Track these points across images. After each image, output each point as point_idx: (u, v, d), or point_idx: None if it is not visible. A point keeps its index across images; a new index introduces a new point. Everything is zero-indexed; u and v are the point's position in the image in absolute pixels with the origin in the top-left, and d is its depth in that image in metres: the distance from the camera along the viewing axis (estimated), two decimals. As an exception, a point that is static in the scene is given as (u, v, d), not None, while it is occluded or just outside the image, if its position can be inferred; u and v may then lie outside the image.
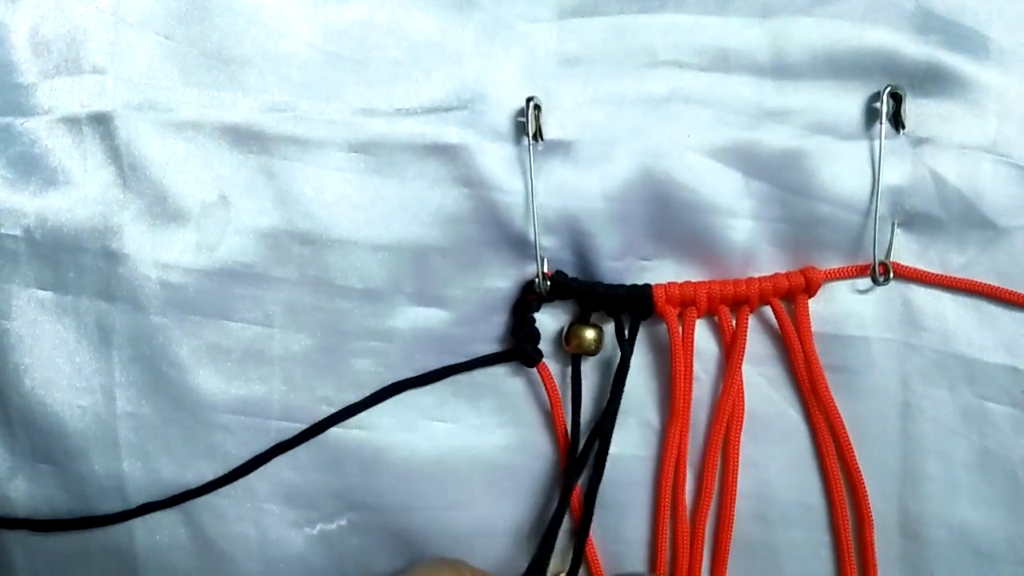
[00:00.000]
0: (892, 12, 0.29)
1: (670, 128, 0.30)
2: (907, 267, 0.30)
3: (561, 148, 0.30)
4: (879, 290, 0.30)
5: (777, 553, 0.31)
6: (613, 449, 0.31)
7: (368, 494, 0.31)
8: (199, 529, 0.32)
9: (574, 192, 0.30)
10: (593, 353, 0.31)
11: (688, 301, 0.31)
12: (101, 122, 0.30)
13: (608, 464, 0.31)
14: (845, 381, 0.31)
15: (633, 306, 0.31)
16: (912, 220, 0.30)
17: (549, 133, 0.30)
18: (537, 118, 0.30)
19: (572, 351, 0.31)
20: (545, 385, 0.31)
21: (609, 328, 0.31)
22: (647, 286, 0.30)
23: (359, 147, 0.30)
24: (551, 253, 0.31)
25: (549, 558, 0.30)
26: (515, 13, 0.31)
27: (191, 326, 0.31)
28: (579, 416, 0.31)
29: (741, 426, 0.31)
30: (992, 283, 0.30)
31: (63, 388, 0.31)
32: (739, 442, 0.31)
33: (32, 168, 0.30)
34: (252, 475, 0.31)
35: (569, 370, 0.31)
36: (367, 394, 0.31)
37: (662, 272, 0.31)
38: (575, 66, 0.30)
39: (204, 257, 0.30)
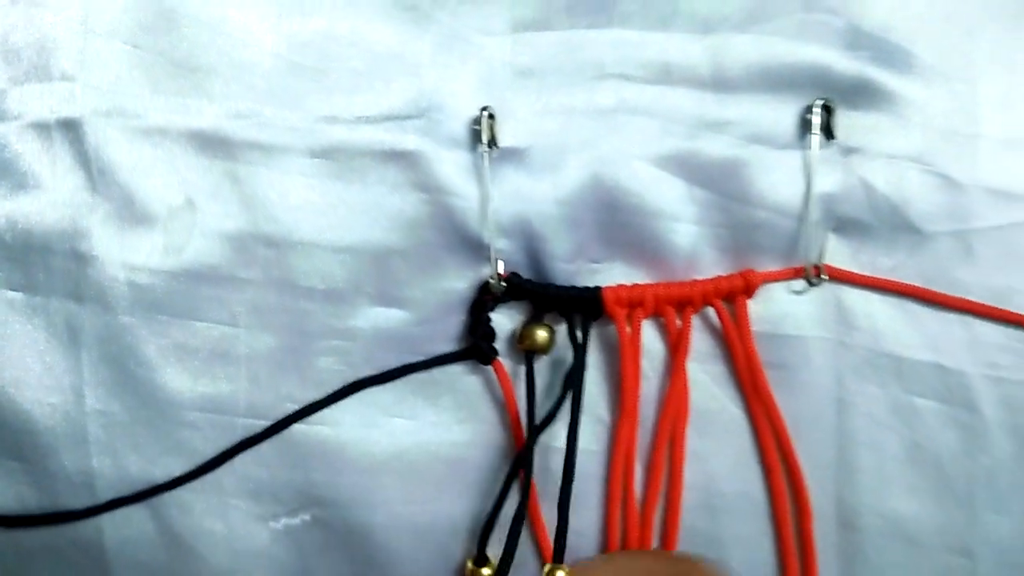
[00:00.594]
0: (824, 30, 0.31)
1: (617, 138, 0.31)
2: (839, 269, 0.32)
3: (515, 155, 0.32)
4: (814, 291, 0.32)
5: (722, 542, 0.32)
6: (563, 443, 0.32)
7: (330, 489, 0.32)
8: (167, 524, 0.32)
9: (527, 197, 0.31)
10: (545, 352, 0.32)
11: (636, 302, 0.32)
12: (70, 128, 0.31)
13: (558, 457, 0.32)
14: (783, 378, 0.32)
15: (584, 307, 0.32)
16: (844, 225, 0.32)
17: (503, 141, 0.31)
18: (491, 127, 0.31)
19: (525, 349, 0.32)
20: (500, 382, 0.32)
21: (562, 328, 0.33)
22: (597, 288, 0.32)
23: (321, 153, 0.31)
24: (506, 256, 0.32)
25: (513, 554, 0.31)
26: (471, 26, 0.32)
27: (158, 326, 0.31)
28: (534, 412, 0.32)
29: (686, 421, 0.32)
30: (918, 285, 0.31)
31: (33, 387, 0.32)
32: (684, 436, 0.32)
33: (2, 172, 0.31)
34: (219, 471, 0.32)
35: (523, 368, 0.32)
36: (330, 392, 0.32)
37: (612, 274, 0.32)
38: (528, 78, 0.32)
39: (171, 259, 0.31)
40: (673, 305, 0.32)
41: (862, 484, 0.32)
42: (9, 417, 0.32)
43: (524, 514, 0.31)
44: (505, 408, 0.33)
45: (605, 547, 0.33)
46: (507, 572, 0.31)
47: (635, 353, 0.32)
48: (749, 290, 0.32)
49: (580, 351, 0.32)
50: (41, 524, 0.32)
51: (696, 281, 0.32)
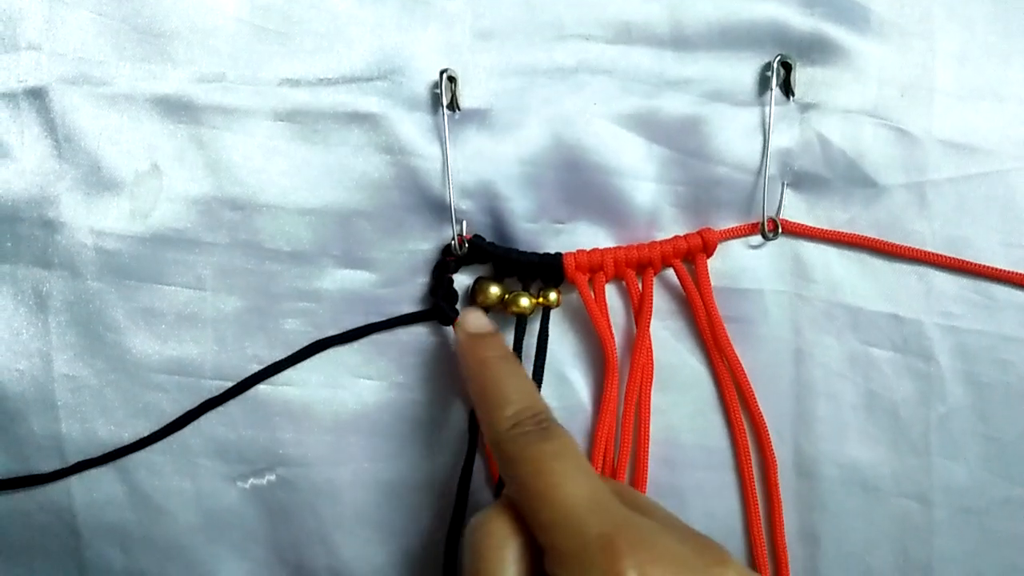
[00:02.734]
0: (781, -14, 0.31)
1: (578, 97, 0.32)
2: (795, 223, 0.32)
3: (476, 117, 0.32)
4: (771, 245, 0.32)
5: (683, 493, 0.33)
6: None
7: (297, 447, 0.33)
8: (135, 485, 0.33)
9: (489, 158, 0.32)
10: (499, 308, 0.33)
11: (596, 267, 0.32)
12: (37, 96, 0.31)
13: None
14: (743, 331, 0.32)
15: (545, 273, 0.32)
16: (800, 180, 0.32)
17: (465, 103, 0.32)
18: (452, 89, 0.31)
19: (479, 306, 0.32)
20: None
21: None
22: (558, 255, 0.32)
23: (285, 116, 0.32)
24: (469, 216, 0.32)
25: (464, 510, 0.32)
26: None
27: (126, 290, 0.32)
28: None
29: (651, 381, 0.33)
30: (874, 237, 0.32)
31: (1, 353, 0.32)
32: (650, 397, 0.33)
33: None
34: (186, 431, 0.33)
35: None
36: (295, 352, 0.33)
37: (575, 234, 0.33)
38: (489, 39, 0.32)
39: (138, 224, 0.32)
40: (633, 267, 0.33)
41: (820, 433, 0.33)
42: None
43: (471, 468, 0.32)
44: None
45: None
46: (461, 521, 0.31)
47: (603, 315, 0.32)
48: (708, 249, 0.32)
49: (545, 314, 0.32)
50: (8, 488, 0.33)
51: (655, 243, 0.32)
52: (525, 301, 0.32)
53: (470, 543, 0.25)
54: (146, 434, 0.32)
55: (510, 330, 0.33)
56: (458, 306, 0.33)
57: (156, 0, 0.32)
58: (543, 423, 0.26)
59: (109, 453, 0.32)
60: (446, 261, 0.32)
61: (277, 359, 0.32)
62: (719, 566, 0.23)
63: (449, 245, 0.32)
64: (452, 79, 0.31)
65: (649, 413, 0.33)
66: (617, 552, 0.21)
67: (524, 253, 0.32)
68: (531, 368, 0.33)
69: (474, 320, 0.30)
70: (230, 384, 0.32)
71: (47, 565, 0.34)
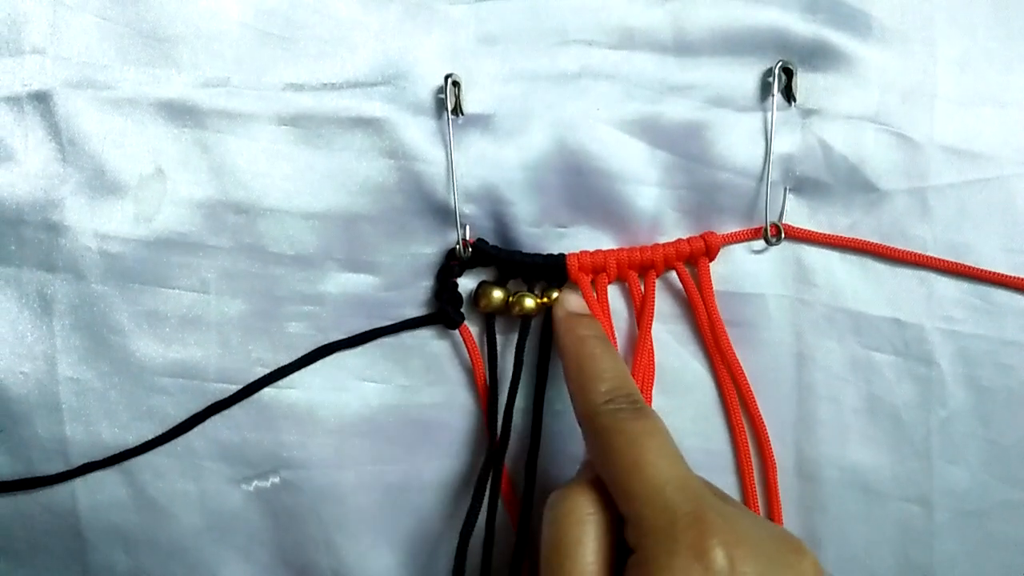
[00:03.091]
0: (782, -8, 0.32)
1: (581, 102, 0.32)
2: (798, 228, 0.32)
3: (480, 122, 0.32)
4: (773, 250, 0.33)
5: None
6: (531, 403, 0.33)
7: (301, 450, 0.33)
8: (140, 488, 0.33)
9: (493, 163, 0.32)
10: (502, 312, 0.33)
11: (599, 268, 0.32)
12: (41, 100, 0.31)
13: (528, 418, 0.32)
14: (745, 335, 0.33)
15: (549, 274, 0.32)
16: (802, 185, 0.32)
17: (469, 108, 0.32)
18: (456, 94, 0.32)
19: (482, 310, 0.33)
20: (466, 346, 0.33)
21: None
22: (561, 255, 0.32)
23: (289, 120, 0.32)
24: (473, 221, 0.32)
25: (477, 513, 0.32)
26: None
27: (131, 294, 0.32)
28: (496, 373, 0.33)
29: (653, 382, 0.33)
30: (875, 241, 0.32)
31: (6, 356, 0.32)
32: (651, 399, 0.33)
33: None
34: (191, 434, 0.33)
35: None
36: (300, 356, 0.33)
37: (578, 238, 0.33)
38: (493, 45, 0.32)
39: (142, 227, 0.32)
40: (636, 269, 0.33)
41: (822, 436, 0.33)
42: None
43: (488, 475, 0.32)
44: (472, 371, 0.33)
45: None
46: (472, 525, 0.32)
47: (605, 317, 0.32)
48: (710, 252, 0.32)
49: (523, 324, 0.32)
50: (12, 490, 0.33)
51: (658, 245, 0.32)
52: (530, 302, 0.32)
53: (550, 518, 0.26)
54: (150, 436, 0.32)
55: (513, 333, 0.33)
56: (463, 309, 0.33)
57: (160, 5, 0.32)
58: (637, 403, 0.27)
59: (113, 456, 0.32)
60: (450, 265, 0.33)
61: (281, 362, 0.33)
62: (796, 554, 0.24)
63: (453, 249, 0.32)
64: (456, 84, 0.31)
65: (652, 414, 0.33)
66: (705, 530, 0.23)
67: (528, 255, 0.32)
68: (534, 369, 0.33)
69: (575, 300, 0.32)
70: (234, 387, 0.33)
71: (51, 568, 0.34)
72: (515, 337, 0.33)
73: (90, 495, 0.33)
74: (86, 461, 0.33)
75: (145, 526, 0.33)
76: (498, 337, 0.33)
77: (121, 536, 0.33)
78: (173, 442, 0.33)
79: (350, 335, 0.33)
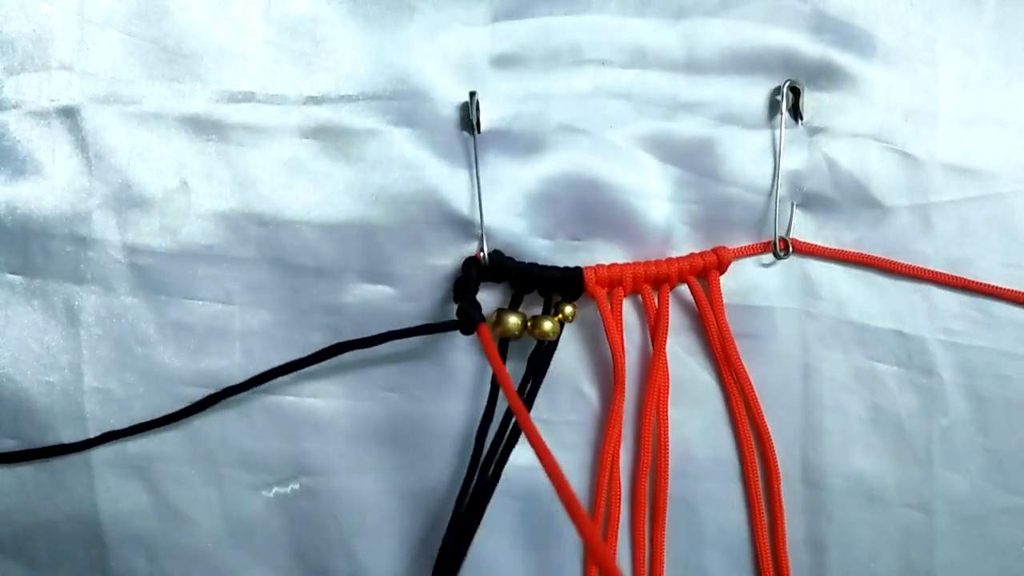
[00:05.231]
0: (790, 14, 0.33)
1: (594, 119, 0.33)
2: (805, 243, 0.33)
3: (496, 137, 0.33)
4: (781, 264, 0.34)
5: (695, 504, 0.34)
6: (546, 415, 0.34)
7: (319, 457, 0.33)
8: (161, 495, 0.33)
9: (508, 177, 0.33)
10: (516, 337, 0.33)
11: (615, 282, 0.33)
12: (68, 115, 0.32)
13: (542, 428, 0.33)
14: (753, 347, 0.34)
15: (565, 287, 0.33)
16: (809, 201, 0.33)
17: (485, 124, 0.33)
18: (477, 110, 0.32)
19: (498, 335, 0.33)
20: (484, 346, 0.32)
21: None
22: (578, 269, 0.33)
23: (309, 133, 0.33)
24: (487, 233, 0.33)
25: (478, 522, 0.32)
26: (453, 16, 0.33)
27: (158, 305, 0.33)
28: (496, 393, 0.33)
29: (668, 394, 0.34)
30: (879, 256, 0.33)
31: (32, 366, 0.33)
32: (667, 409, 0.34)
33: (2, 160, 0.32)
34: (211, 441, 0.33)
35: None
36: (323, 367, 0.33)
37: (592, 251, 0.34)
38: (508, 63, 0.33)
39: (168, 239, 0.33)
40: (650, 283, 0.33)
41: (827, 445, 0.34)
42: (7, 396, 0.33)
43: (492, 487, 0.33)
44: (488, 381, 0.33)
45: (591, 512, 0.34)
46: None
47: (619, 330, 0.33)
48: (722, 266, 0.33)
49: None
50: (32, 458, 0.33)
51: (672, 259, 0.33)
52: (548, 324, 0.32)
53: None
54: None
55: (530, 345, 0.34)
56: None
57: (185, 21, 0.33)
58: None
59: (134, 426, 0.33)
60: (468, 275, 0.33)
61: (303, 372, 0.33)
62: None
63: (470, 259, 0.33)
64: (476, 100, 0.32)
65: (667, 426, 0.33)
66: None
67: (545, 267, 0.33)
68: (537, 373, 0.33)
69: None
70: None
71: (73, 575, 0.34)
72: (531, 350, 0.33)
73: (112, 502, 0.33)
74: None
75: (166, 532, 0.34)
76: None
77: (143, 543, 0.34)
78: (194, 449, 0.33)
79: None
